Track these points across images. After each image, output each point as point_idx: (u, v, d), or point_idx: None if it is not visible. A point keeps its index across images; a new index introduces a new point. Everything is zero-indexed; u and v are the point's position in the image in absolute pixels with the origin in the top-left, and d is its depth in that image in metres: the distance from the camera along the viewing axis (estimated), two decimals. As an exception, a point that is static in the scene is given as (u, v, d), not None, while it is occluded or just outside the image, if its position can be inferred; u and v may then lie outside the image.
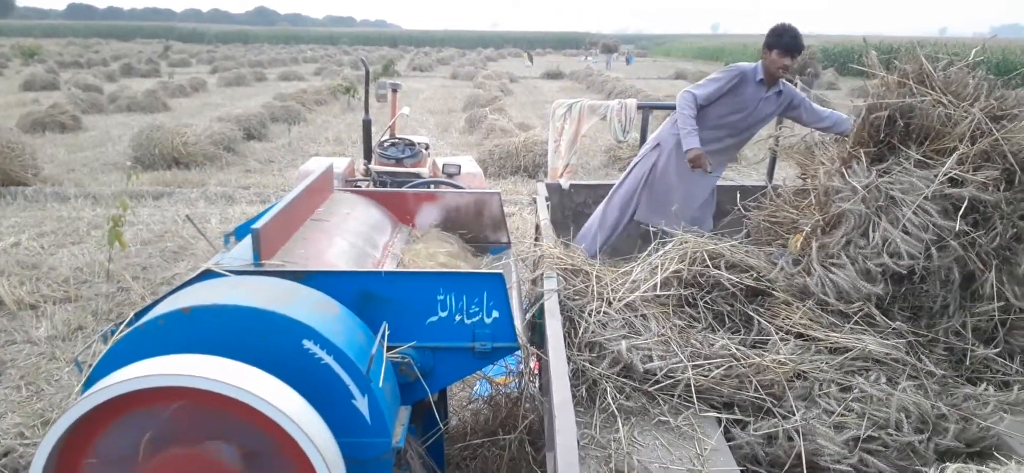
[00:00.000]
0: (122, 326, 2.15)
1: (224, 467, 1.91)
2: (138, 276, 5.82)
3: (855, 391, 2.23)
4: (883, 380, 2.30)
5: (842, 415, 2.15)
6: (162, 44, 58.57)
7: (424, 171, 5.23)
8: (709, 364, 2.36)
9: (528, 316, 2.72)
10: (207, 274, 2.31)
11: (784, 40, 4.16)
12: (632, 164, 4.60)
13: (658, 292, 2.69)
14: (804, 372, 2.35)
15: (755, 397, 2.27)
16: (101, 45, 56.31)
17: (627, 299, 2.67)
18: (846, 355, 2.39)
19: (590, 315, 2.59)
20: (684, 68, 37.42)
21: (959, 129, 2.74)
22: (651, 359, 2.38)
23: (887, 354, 2.40)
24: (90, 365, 2.08)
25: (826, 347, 2.47)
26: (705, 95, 4.25)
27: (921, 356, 2.49)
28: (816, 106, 4.34)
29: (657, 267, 2.79)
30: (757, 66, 4.29)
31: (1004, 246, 2.62)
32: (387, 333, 2.26)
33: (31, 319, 5.00)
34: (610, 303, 2.67)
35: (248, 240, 2.50)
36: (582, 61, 43.40)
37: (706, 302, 2.70)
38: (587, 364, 2.40)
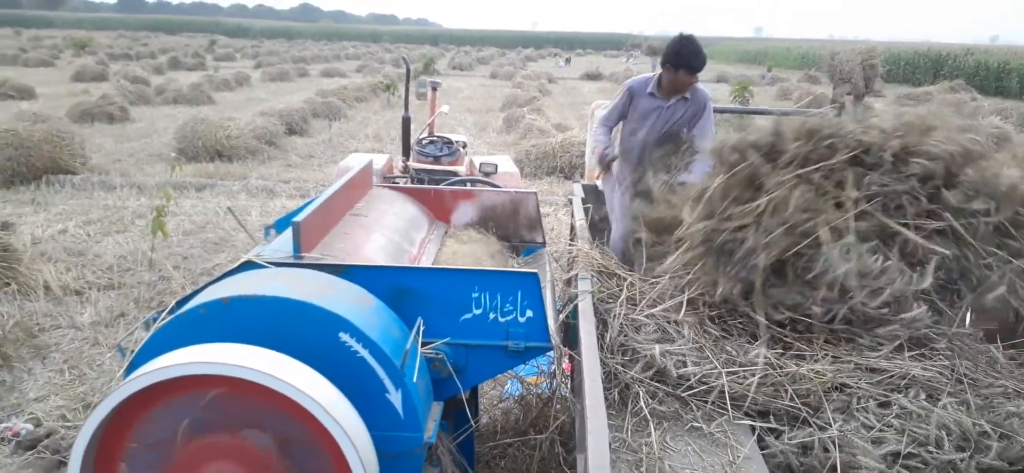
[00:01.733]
0: (164, 314, 2.20)
1: (259, 455, 1.94)
2: (179, 265, 5.94)
3: (895, 407, 2.19)
4: (923, 396, 2.25)
5: (881, 430, 2.11)
6: (208, 38, 59.64)
7: (461, 169, 5.26)
8: (744, 371, 2.33)
9: (562, 317, 2.72)
10: (247, 265, 2.35)
11: (680, 59, 4.03)
12: (612, 190, 4.56)
13: (684, 312, 2.63)
14: (844, 384, 2.30)
15: (790, 406, 2.23)
16: (150, 38, 57.58)
17: (661, 305, 2.64)
18: (887, 375, 2.34)
19: (624, 318, 2.57)
20: (726, 71, 37.03)
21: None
22: (685, 364, 2.35)
23: (930, 380, 2.33)
24: (132, 351, 2.13)
25: (866, 367, 2.41)
26: (605, 117, 4.40)
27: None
28: (706, 134, 4.16)
29: (684, 286, 2.73)
30: (649, 78, 4.25)
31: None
32: (422, 329, 2.27)
33: (76, 304, 5.13)
34: (644, 308, 2.65)
35: (288, 233, 2.54)
36: (623, 62, 43.19)
37: (738, 323, 2.64)
38: (620, 368, 2.38)
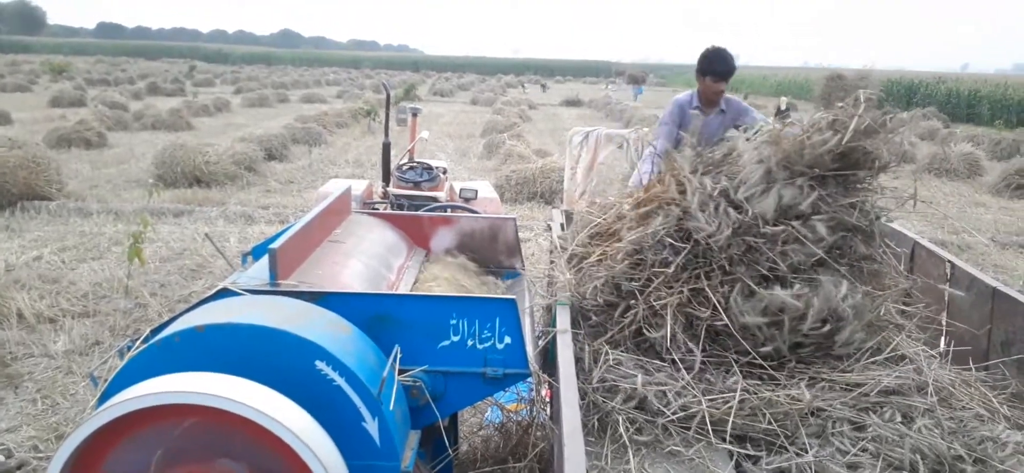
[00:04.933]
0: (138, 342, 2.17)
1: (233, 486, 1.92)
2: (156, 293, 5.87)
3: (870, 430, 2.20)
4: (898, 418, 2.27)
5: (856, 455, 2.12)
6: (188, 64, 59.33)
7: (441, 195, 5.25)
8: (722, 397, 2.34)
9: (540, 343, 2.72)
10: (223, 292, 2.33)
11: (714, 67, 4.39)
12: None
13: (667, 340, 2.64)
14: (819, 408, 2.32)
15: (767, 428, 2.25)
16: (129, 63, 57.20)
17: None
18: (860, 391, 2.37)
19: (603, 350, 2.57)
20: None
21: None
22: (665, 394, 2.36)
23: (901, 386, 2.37)
24: (105, 380, 2.10)
25: (841, 385, 2.44)
26: (667, 135, 4.49)
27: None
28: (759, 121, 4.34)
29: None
30: (692, 94, 4.57)
31: None
32: (399, 356, 2.26)
33: (49, 332, 5.05)
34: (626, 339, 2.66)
35: (265, 260, 2.53)
36: (602, 90, 43.50)
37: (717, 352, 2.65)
38: (600, 398, 2.38)
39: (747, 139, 2.93)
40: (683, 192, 2.78)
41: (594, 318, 2.79)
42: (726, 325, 2.54)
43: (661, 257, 2.69)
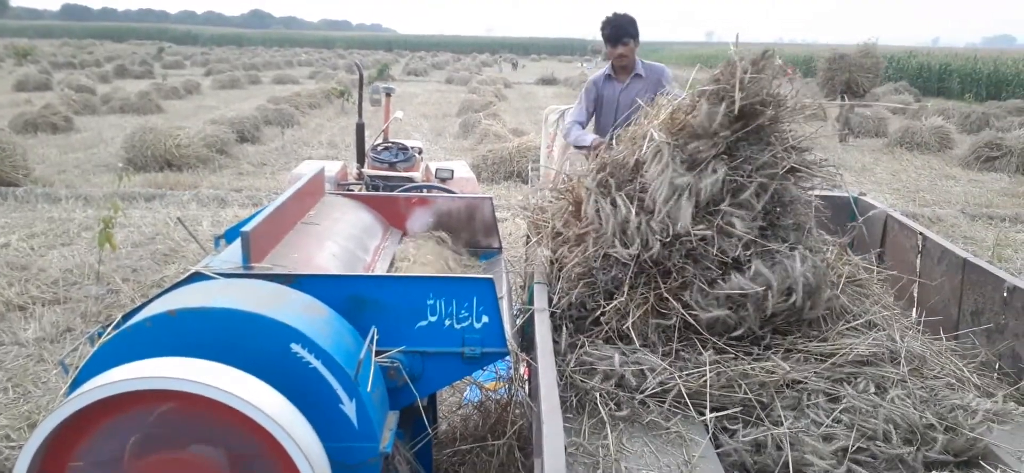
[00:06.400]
0: (109, 328, 2.14)
1: (211, 470, 1.90)
2: (128, 278, 5.79)
3: (844, 401, 2.23)
4: (872, 388, 2.30)
5: (830, 426, 2.15)
6: (156, 46, 58.24)
7: (417, 175, 5.22)
8: (698, 372, 2.35)
9: (519, 322, 2.71)
10: (196, 277, 2.30)
11: (604, 32, 4.47)
12: None
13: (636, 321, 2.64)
14: (795, 380, 2.34)
15: (744, 398, 2.27)
16: (95, 46, 56.02)
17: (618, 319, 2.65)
18: (832, 360, 2.40)
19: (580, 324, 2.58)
20: (678, 75, 37.39)
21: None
22: (643, 374, 2.37)
23: (874, 355, 2.41)
24: (76, 367, 2.07)
25: (817, 354, 2.47)
26: (577, 114, 4.62)
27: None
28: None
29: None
30: (605, 68, 4.65)
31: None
32: (376, 337, 2.25)
33: (20, 320, 4.97)
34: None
35: (238, 243, 2.49)
36: (578, 67, 43.44)
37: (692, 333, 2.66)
38: (580, 379, 2.38)
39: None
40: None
41: (571, 325, 2.76)
42: (697, 317, 2.54)
43: (611, 276, 2.66)
